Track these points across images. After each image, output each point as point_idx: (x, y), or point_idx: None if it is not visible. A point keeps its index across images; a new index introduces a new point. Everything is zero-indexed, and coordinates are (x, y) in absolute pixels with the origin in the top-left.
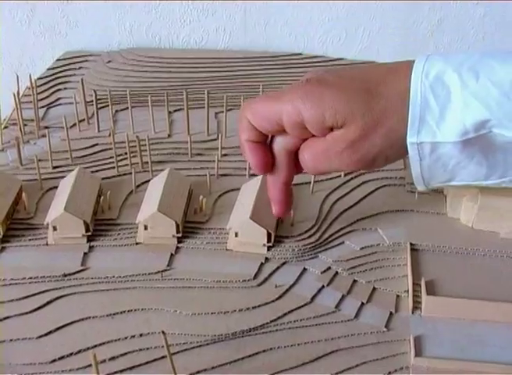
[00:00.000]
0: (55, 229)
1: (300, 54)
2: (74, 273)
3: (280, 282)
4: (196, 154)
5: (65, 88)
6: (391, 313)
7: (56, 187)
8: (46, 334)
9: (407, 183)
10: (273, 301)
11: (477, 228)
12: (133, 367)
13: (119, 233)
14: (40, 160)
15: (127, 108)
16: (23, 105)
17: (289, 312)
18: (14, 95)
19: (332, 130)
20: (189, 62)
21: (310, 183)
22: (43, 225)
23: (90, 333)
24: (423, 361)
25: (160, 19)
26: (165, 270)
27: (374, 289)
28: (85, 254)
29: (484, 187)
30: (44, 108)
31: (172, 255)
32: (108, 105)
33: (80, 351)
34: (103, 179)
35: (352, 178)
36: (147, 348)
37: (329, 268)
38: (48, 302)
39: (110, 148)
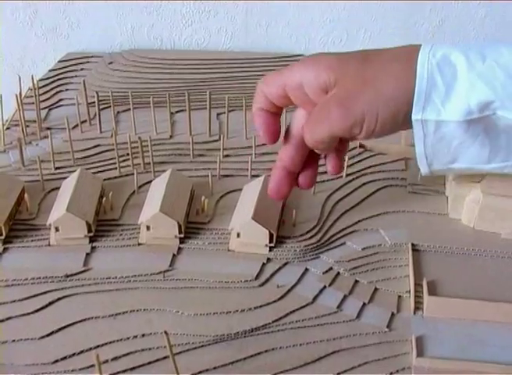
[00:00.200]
0: (57, 230)
1: (302, 55)
2: (76, 274)
3: (282, 282)
4: (198, 155)
5: (66, 89)
6: (393, 314)
7: (58, 188)
8: (48, 335)
9: (409, 184)
10: (275, 301)
11: (478, 229)
12: (136, 367)
13: (121, 234)
14: (42, 161)
15: (129, 109)
16: (25, 106)
17: (291, 312)
18: (16, 96)
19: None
20: (190, 63)
21: None
22: (45, 226)
23: (93, 333)
24: (425, 361)
25: (162, 21)
26: (167, 271)
27: (375, 289)
28: (87, 254)
29: (485, 185)
30: (46, 110)
31: (174, 255)
32: (109, 106)
33: (82, 352)
34: (105, 180)
35: (354, 179)
36: (150, 349)
37: (331, 268)
38: (50, 303)
39: (112, 149)
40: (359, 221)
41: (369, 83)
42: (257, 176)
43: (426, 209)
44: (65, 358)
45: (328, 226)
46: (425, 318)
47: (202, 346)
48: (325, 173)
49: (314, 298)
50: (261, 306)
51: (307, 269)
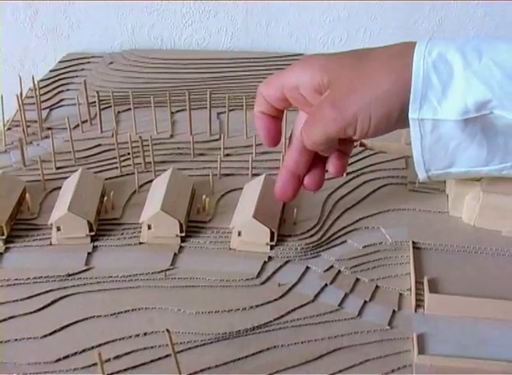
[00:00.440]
0: (58, 229)
1: (302, 55)
2: (78, 273)
3: (283, 281)
4: (198, 154)
5: (67, 90)
6: (394, 311)
7: (59, 188)
8: (50, 334)
9: (409, 182)
10: (276, 299)
11: (479, 226)
12: (137, 366)
13: (122, 233)
14: (43, 161)
15: (130, 109)
16: (25, 106)
17: (292, 310)
18: (17, 97)
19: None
20: (191, 63)
21: None
22: (47, 225)
23: (94, 332)
24: (426, 359)
25: (162, 21)
26: (169, 269)
27: (376, 287)
28: (89, 254)
29: (485, 183)
30: (47, 110)
31: (175, 254)
32: (110, 106)
33: (84, 351)
34: (106, 179)
35: (354, 177)
36: (152, 347)
37: (332, 266)
38: (52, 302)
39: (113, 149)
40: (360, 219)
41: (362, 83)
42: (257, 175)
43: (427, 207)
44: (67, 356)
45: (329, 225)
46: (426, 316)
47: (204, 344)
48: (326, 171)
49: (316, 296)
50: (262, 304)
51: (308, 268)
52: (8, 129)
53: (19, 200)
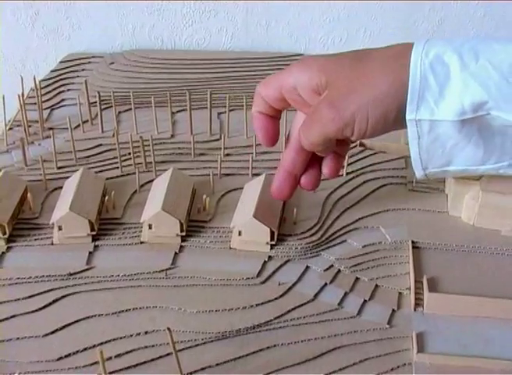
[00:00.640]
0: (60, 228)
1: (302, 55)
2: (79, 272)
3: (283, 280)
4: (199, 154)
5: (68, 90)
6: (393, 310)
7: (61, 188)
8: (52, 332)
9: (409, 181)
10: (276, 298)
11: (478, 226)
12: (139, 364)
13: (123, 233)
14: (44, 161)
15: (130, 109)
16: (27, 106)
17: (293, 309)
18: (19, 97)
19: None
20: (191, 63)
21: None
22: (48, 225)
23: (96, 331)
24: (425, 357)
25: (162, 21)
26: (170, 269)
27: (376, 286)
28: (90, 253)
29: (484, 182)
30: (48, 110)
31: (176, 253)
32: (111, 106)
33: (85, 349)
34: (107, 179)
35: (354, 177)
36: (153, 346)
37: (332, 266)
38: (54, 301)
39: (114, 149)
40: (359, 219)
41: (360, 83)
42: (257, 174)
43: (426, 207)
44: (69, 355)
45: (329, 224)
46: (426, 314)
47: (204, 343)
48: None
49: (315, 296)
50: (262, 303)
51: (308, 267)
52: (10, 129)
53: (20, 199)
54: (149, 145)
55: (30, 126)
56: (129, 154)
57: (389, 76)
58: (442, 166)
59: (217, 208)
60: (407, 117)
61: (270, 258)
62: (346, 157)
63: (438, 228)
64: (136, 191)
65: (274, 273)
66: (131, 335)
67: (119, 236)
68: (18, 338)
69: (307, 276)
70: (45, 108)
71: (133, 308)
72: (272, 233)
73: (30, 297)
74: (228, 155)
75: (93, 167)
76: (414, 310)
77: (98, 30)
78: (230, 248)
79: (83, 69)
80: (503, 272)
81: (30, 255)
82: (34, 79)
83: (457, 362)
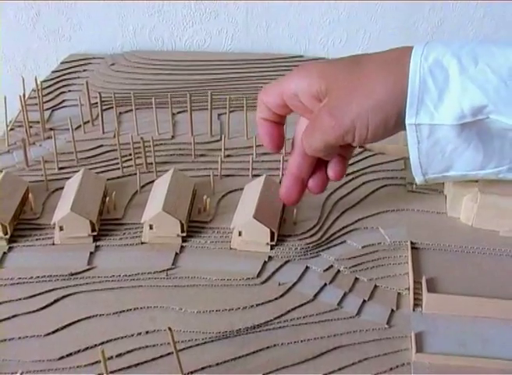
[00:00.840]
0: (61, 229)
1: (302, 56)
2: (80, 272)
3: (283, 280)
4: (199, 155)
5: (69, 91)
6: (392, 310)
7: (62, 188)
8: (53, 332)
9: (408, 183)
10: (276, 298)
11: (476, 227)
12: (139, 364)
13: (124, 233)
14: (46, 161)
15: (131, 110)
16: (28, 107)
17: (292, 309)
18: (20, 98)
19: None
20: (192, 64)
21: None
22: (49, 225)
23: (97, 330)
24: (424, 357)
25: (163, 22)
26: (170, 269)
27: (375, 287)
28: (91, 253)
29: (482, 184)
30: (50, 111)
31: (176, 254)
32: (112, 107)
33: (86, 349)
34: (108, 179)
35: (353, 178)
36: (153, 345)
37: (331, 266)
38: (55, 301)
39: (115, 150)
40: (359, 220)
41: (359, 90)
42: (258, 175)
43: (425, 208)
44: (70, 354)
45: (329, 225)
46: (424, 314)
47: (204, 343)
48: None
49: (315, 296)
50: (262, 304)
51: (307, 267)
52: (11, 129)
53: (22, 200)
54: (150, 146)
55: (31, 126)
56: (130, 155)
57: (388, 81)
58: (442, 171)
59: (217, 208)
60: (407, 122)
61: (270, 258)
62: None
63: (437, 229)
64: (136, 191)
65: (274, 273)
66: (132, 335)
67: (120, 236)
68: (19, 338)
69: (306, 276)
70: (46, 109)
71: (134, 308)
72: (272, 233)
73: (31, 297)
74: (228, 156)
75: (94, 168)
76: (413, 310)
77: (99, 31)
78: (230, 248)
79: (84, 70)
80: (502, 272)
81: (31, 256)
82: (36, 80)
83: (456, 362)
